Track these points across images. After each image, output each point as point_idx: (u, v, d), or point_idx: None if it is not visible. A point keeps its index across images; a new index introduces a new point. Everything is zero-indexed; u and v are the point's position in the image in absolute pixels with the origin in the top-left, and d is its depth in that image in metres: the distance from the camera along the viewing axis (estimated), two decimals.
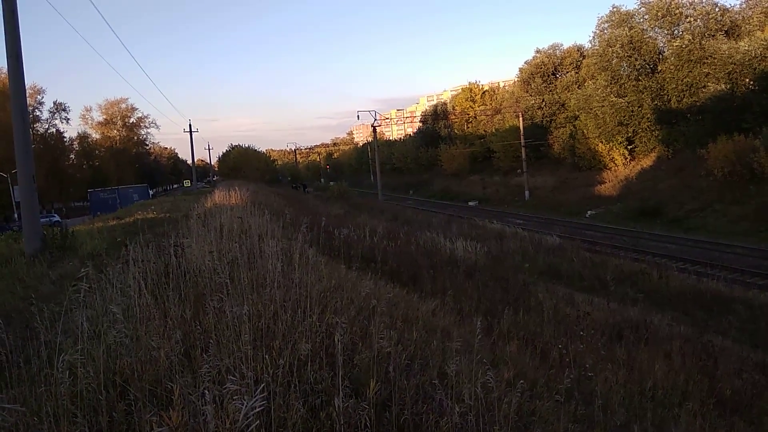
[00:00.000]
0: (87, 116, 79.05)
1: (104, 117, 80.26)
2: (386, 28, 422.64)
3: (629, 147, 46.11)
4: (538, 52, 61.93)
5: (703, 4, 43.29)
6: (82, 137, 76.34)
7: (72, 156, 74.25)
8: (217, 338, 4.20)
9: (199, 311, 5.06)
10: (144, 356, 4.00)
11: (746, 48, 37.71)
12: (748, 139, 32.56)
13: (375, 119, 58.69)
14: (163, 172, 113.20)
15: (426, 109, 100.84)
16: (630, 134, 45.62)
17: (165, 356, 3.90)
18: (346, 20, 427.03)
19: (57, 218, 44.59)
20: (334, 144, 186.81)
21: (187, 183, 79.40)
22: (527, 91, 60.26)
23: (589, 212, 41.56)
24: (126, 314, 5.08)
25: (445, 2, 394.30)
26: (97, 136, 79.65)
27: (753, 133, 32.86)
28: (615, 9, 47.56)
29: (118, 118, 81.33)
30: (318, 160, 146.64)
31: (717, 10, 42.92)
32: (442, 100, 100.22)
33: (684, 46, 41.40)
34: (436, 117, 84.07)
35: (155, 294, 5.67)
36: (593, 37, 50.06)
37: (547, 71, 59.74)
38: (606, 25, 48.09)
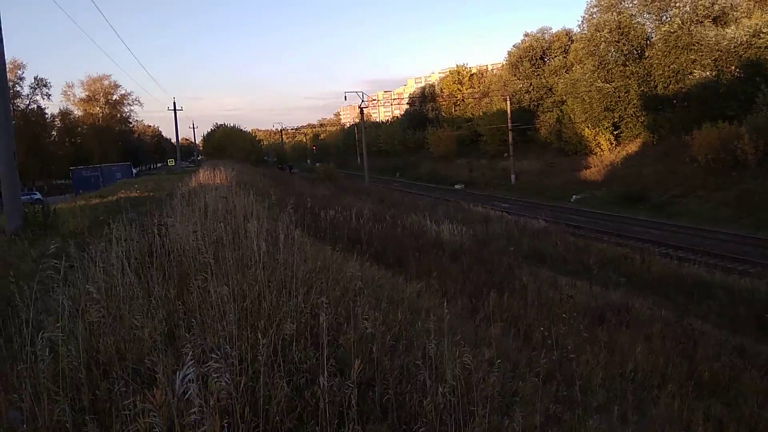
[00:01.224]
0: (69, 93, 77.51)
1: (86, 94, 78.66)
2: (375, 9, 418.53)
3: (615, 132, 46.33)
4: (526, 35, 61.79)
5: None
6: (64, 114, 74.87)
7: (54, 133, 72.86)
8: (201, 318, 4.18)
9: (183, 291, 5.03)
10: (127, 335, 3.98)
11: (732, 35, 37.88)
12: (732, 127, 32.85)
13: (362, 101, 58.30)
14: (147, 151, 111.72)
15: (413, 91, 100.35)
16: (616, 120, 45.83)
17: (148, 335, 3.89)
18: (340, 3, 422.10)
19: (38, 196, 43.96)
20: (321, 125, 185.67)
21: (171, 162, 78.36)
22: (515, 75, 60.14)
23: (574, 197, 41.86)
24: (109, 293, 5.04)
25: None
26: (80, 113, 78.13)
27: (738, 120, 33.15)
28: None
29: (101, 95, 79.77)
30: (304, 141, 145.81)
31: None
32: (430, 83, 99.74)
33: (672, 31, 41.48)
34: (424, 99, 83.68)
35: (138, 273, 5.63)
36: (582, 21, 50.04)
37: (535, 55, 59.60)
38: (595, 9, 48.01)
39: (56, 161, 66.55)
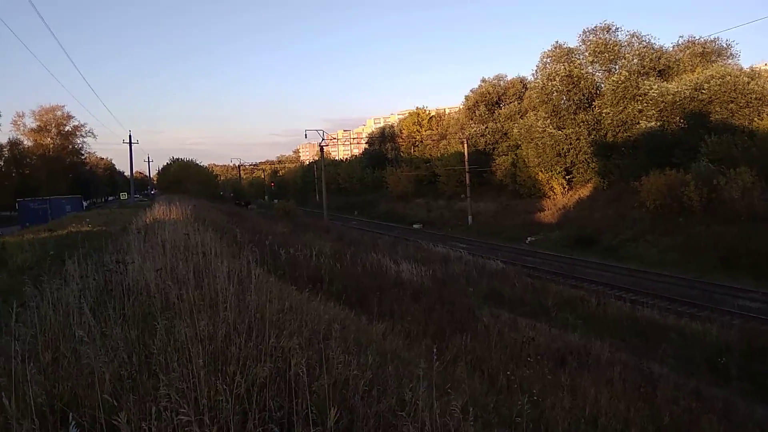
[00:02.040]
0: (19, 122, 75.10)
1: (38, 124, 76.38)
2: (337, 50, 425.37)
3: (567, 177, 47.74)
4: (483, 81, 63.74)
5: (641, 44, 45.77)
6: (13, 144, 72.45)
7: (0, 163, 70.26)
8: (165, 361, 4.00)
9: (144, 332, 4.82)
10: (86, 380, 3.76)
11: (676, 89, 40.15)
12: (678, 174, 34.34)
13: (322, 138, 58.62)
14: (99, 184, 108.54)
15: (373, 131, 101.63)
16: (568, 165, 47.30)
17: (109, 380, 3.68)
18: (301, 40, 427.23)
19: None
20: (280, 161, 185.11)
21: (123, 195, 76.50)
22: (472, 119, 61.73)
23: (528, 238, 42.63)
24: (64, 333, 4.78)
25: (396, 29, 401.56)
26: (30, 144, 75.79)
27: (683, 168, 34.70)
28: (557, 45, 49.64)
29: (53, 125, 77.59)
30: (262, 177, 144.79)
31: (653, 51, 45.44)
32: (390, 123, 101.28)
33: (620, 82, 43.56)
34: (383, 139, 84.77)
35: (95, 312, 5.37)
36: (536, 70, 51.95)
37: (491, 100, 61.50)
38: (548, 59, 49.98)
39: (2, 192, 63.90)
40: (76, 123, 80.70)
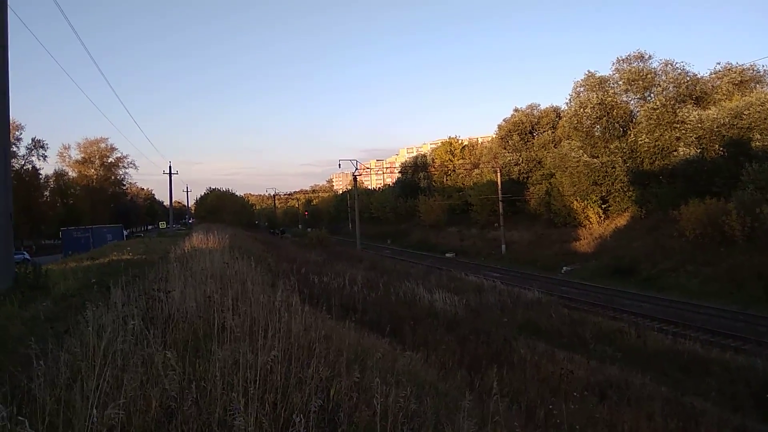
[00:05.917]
0: (65, 154, 78.31)
1: (82, 156, 79.51)
2: (372, 83, 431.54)
3: (603, 206, 47.02)
4: (516, 110, 63.76)
5: (676, 72, 45.22)
6: (59, 175, 75.33)
7: (46, 193, 72.96)
8: (207, 388, 4.05)
9: (186, 359, 4.90)
10: (130, 406, 3.83)
11: (715, 116, 39.37)
12: (719, 203, 33.47)
13: (356, 168, 59.27)
14: (139, 213, 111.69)
15: (406, 161, 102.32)
16: (604, 193, 46.64)
17: (154, 407, 3.75)
18: (335, 72, 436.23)
19: (27, 256, 43.39)
20: (314, 191, 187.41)
21: (162, 224, 78.49)
22: (505, 148, 61.62)
23: (564, 268, 41.91)
24: (107, 360, 4.88)
25: (429, 61, 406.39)
26: (74, 175, 78.67)
27: (723, 196, 33.82)
28: (590, 74, 49.51)
29: (97, 157, 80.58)
30: (297, 206, 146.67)
31: (688, 79, 44.82)
32: (422, 153, 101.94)
33: (655, 109, 43.01)
34: (416, 168, 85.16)
35: (138, 339, 5.49)
36: (569, 99, 51.75)
37: (524, 129, 61.36)
38: (581, 88, 49.78)
39: (47, 221, 66.20)
40: (119, 155, 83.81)
